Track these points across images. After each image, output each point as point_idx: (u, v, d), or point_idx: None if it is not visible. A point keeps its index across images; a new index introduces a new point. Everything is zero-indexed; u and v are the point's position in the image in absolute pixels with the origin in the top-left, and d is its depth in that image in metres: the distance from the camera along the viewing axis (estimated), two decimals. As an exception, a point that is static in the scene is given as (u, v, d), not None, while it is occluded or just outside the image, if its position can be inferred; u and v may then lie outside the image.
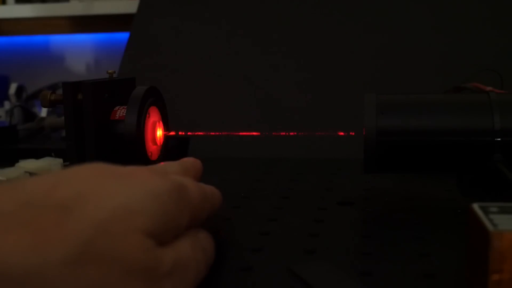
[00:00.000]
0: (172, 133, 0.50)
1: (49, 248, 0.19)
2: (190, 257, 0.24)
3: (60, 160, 0.49)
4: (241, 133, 0.53)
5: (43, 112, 0.81)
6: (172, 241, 0.24)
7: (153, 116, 0.48)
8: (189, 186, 0.26)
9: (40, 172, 0.48)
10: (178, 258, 0.23)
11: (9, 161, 0.50)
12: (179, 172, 0.31)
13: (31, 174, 0.47)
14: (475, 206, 0.24)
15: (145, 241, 0.22)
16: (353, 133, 0.44)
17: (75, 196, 0.21)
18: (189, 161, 0.34)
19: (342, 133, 0.47)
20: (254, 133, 0.51)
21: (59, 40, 1.88)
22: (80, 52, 1.86)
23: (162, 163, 0.32)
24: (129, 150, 0.45)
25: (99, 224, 0.21)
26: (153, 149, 0.47)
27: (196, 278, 0.25)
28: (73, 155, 0.45)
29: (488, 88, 0.44)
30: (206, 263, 0.26)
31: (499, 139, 0.37)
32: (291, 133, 0.49)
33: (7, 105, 1.00)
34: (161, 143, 0.48)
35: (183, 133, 0.52)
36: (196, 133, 0.53)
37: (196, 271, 0.25)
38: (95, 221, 0.21)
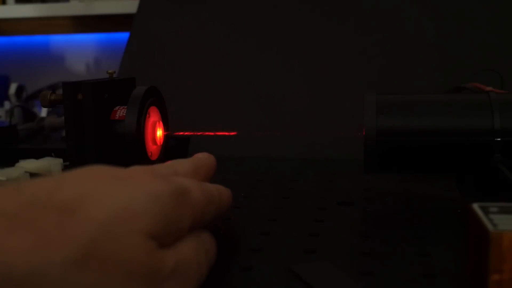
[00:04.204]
0: (172, 133, 0.50)
1: (52, 249, 0.19)
2: (192, 259, 0.24)
3: (60, 160, 0.49)
4: (241, 133, 0.52)
5: (43, 112, 0.81)
6: (174, 243, 0.24)
7: (153, 116, 0.48)
8: (192, 189, 0.26)
9: (40, 172, 0.48)
10: (180, 260, 0.23)
11: (9, 161, 0.49)
12: (189, 172, 0.30)
13: (31, 174, 0.47)
14: (475, 206, 0.24)
15: (147, 243, 0.22)
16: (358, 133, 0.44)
17: (77, 198, 0.21)
18: (202, 158, 0.33)
19: (344, 133, 0.47)
20: (254, 133, 0.51)
21: (59, 40, 1.88)
22: (80, 52, 1.86)
23: (173, 161, 0.32)
24: (129, 150, 0.45)
25: (102, 225, 0.21)
26: (153, 149, 0.47)
27: (197, 280, 0.25)
28: (73, 155, 0.45)
29: (488, 88, 0.44)
30: (208, 264, 0.26)
31: (499, 139, 0.37)
32: (291, 133, 0.49)
33: (7, 105, 1.00)
34: (161, 143, 0.48)
35: (183, 133, 0.52)
36: (196, 133, 0.53)
37: (198, 272, 0.25)
38: (97, 222, 0.21)
